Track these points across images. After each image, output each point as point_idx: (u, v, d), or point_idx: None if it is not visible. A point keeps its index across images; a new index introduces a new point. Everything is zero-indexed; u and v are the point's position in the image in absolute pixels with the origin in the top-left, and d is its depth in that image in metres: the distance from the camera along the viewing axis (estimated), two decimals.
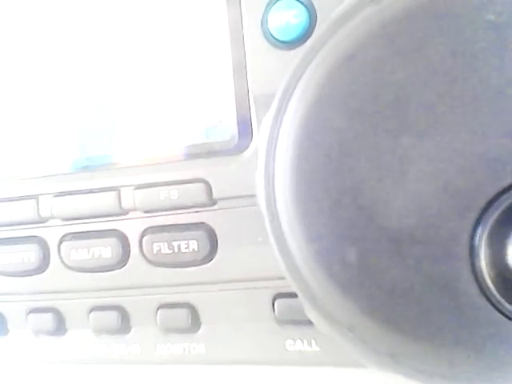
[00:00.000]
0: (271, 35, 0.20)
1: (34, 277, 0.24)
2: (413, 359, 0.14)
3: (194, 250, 0.22)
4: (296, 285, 0.16)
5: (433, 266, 0.14)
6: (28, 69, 0.24)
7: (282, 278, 0.21)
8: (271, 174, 0.15)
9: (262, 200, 0.16)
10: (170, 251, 0.22)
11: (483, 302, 0.14)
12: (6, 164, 0.24)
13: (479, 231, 0.13)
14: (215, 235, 0.22)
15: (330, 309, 0.15)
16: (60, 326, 0.25)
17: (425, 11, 0.14)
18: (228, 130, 0.22)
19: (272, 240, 0.16)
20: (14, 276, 0.24)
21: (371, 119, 0.14)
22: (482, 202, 0.13)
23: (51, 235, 0.24)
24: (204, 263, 0.22)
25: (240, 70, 0.21)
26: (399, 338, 0.14)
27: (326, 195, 0.14)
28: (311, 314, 0.16)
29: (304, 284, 0.15)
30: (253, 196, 0.21)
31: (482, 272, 0.14)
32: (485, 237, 0.13)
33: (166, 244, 0.22)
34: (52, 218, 0.23)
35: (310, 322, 0.22)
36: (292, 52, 0.20)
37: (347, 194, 0.14)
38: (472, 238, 0.13)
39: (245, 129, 0.22)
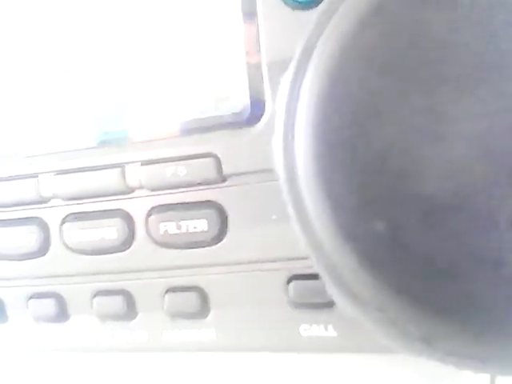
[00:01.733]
0: None
1: (34, 260, 0.23)
2: (450, 343, 0.13)
3: (203, 229, 0.21)
4: (318, 262, 0.14)
5: (473, 238, 0.12)
6: (30, 43, 0.23)
7: (297, 259, 0.19)
8: (291, 139, 0.14)
9: (280, 169, 0.14)
10: (178, 231, 0.21)
11: None
12: (5, 141, 0.23)
13: None
14: (225, 214, 0.21)
15: (356, 288, 0.14)
16: (62, 312, 0.23)
17: None
18: (239, 101, 0.21)
19: (292, 213, 0.14)
20: (13, 260, 0.23)
21: (403, 74, 0.13)
22: None
23: (52, 216, 0.22)
24: (214, 244, 0.21)
25: (251, 34, 0.20)
26: (435, 320, 0.13)
27: (352, 160, 0.13)
28: (335, 294, 0.15)
29: (327, 260, 0.14)
30: (266, 171, 0.20)
31: None
32: None
33: (173, 224, 0.21)
34: (53, 197, 0.22)
35: (326, 305, 0.21)
36: (308, 12, 0.19)
37: (376, 159, 0.13)
38: None
39: (257, 99, 0.20)
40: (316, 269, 0.15)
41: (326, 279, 0.15)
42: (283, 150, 0.14)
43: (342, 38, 0.13)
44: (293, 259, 0.20)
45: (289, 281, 0.21)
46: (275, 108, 0.16)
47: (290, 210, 0.14)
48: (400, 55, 0.13)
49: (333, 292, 0.15)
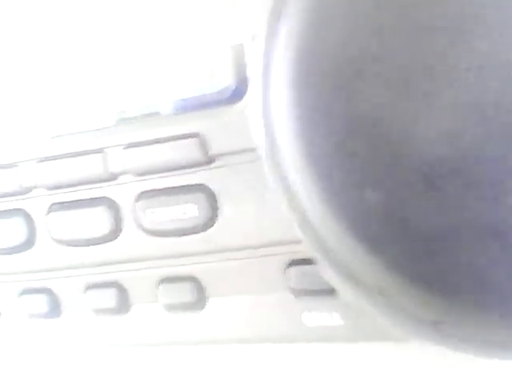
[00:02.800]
0: None
1: (21, 254, 0.22)
2: (460, 326, 0.11)
3: (192, 215, 0.19)
4: (310, 243, 0.13)
5: (479, 207, 0.11)
6: (13, 33, 0.21)
7: (296, 242, 0.18)
8: (268, 106, 0.12)
9: (260, 141, 0.13)
10: (167, 218, 0.19)
11: None
12: None
13: None
14: (215, 197, 0.19)
15: (354, 269, 0.12)
16: (55, 308, 0.22)
17: None
18: (222, 78, 0.19)
19: (277, 191, 0.13)
20: (0, 254, 0.22)
21: (391, 22, 0.11)
22: None
23: (36, 207, 0.21)
24: (205, 229, 0.19)
25: (234, 8, 0.18)
26: (443, 302, 0.11)
27: (336, 124, 0.11)
28: (332, 278, 0.13)
29: (320, 241, 0.12)
30: (254, 150, 0.18)
31: None
32: None
33: (161, 210, 0.19)
34: (35, 187, 0.21)
35: (330, 292, 0.19)
36: None
37: (364, 122, 0.11)
38: None
39: (240, 76, 0.19)
40: (310, 253, 0.13)
41: (320, 261, 0.13)
42: (262, 118, 0.12)
43: None
44: (291, 242, 0.18)
45: (288, 266, 0.19)
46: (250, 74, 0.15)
47: (274, 187, 0.13)
48: (383, 11, 0.11)
49: (330, 276, 0.13)
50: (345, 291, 0.13)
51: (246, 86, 0.19)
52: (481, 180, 0.11)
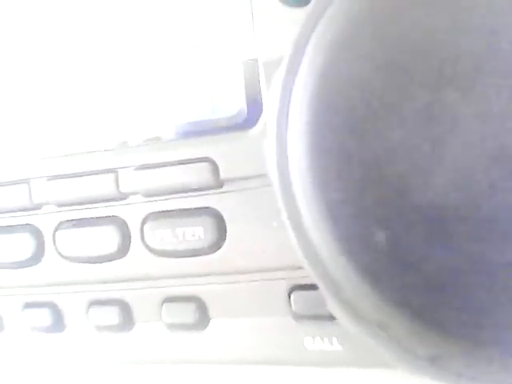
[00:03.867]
0: None
1: (27, 269, 0.22)
2: (457, 363, 0.12)
3: (200, 237, 0.20)
4: (316, 274, 0.13)
5: (482, 250, 0.11)
6: (23, 48, 0.22)
7: (300, 268, 0.18)
8: (284, 140, 0.13)
9: (273, 173, 0.13)
10: (174, 239, 0.20)
11: None
12: None
13: None
14: (223, 221, 0.20)
15: (356, 303, 0.12)
16: (58, 322, 0.23)
17: None
18: (235, 103, 0.20)
19: (286, 221, 0.13)
20: (6, 268, 0.22)
21: (404, 71, 0.11)
22: None
23: (45, 223, 0.21)
24: (212, 252, 0.20)
25: (247, 33, 0.19)
26: (441, 338, 0.12)
27: (349, 165, 0.12)
28: (334, 310, 0.13)
29: (325, 273, 0.13)
30: (264, 176, 0.18)
31: None
32: None
33: (169, 231, 0.20)
34: (46, 203, 0.21)
35: (331, 318, 0.19)
36: (305, 9, 0.18)
37: (375, 164, 0.12)
38: None
39: (254, 101, 0.19)
40: (313, 281, 0.14)
41: (324, 292, 0.13)
42: (276, 152, 0.13)
43: (337, 34, 0.12)
44: (294, 268, 0.19)
45: (291, 291, 0.20)
46: (267, 108, 0.15)
47: (284, 217, 0.13)
48: (398, 54, 0.12)
49: (331, 306, 0.14)
50: (345, 322, 0.14)
51: (259, 111, 0.19)
52: (484, 223, 0.11)
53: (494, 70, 0.11)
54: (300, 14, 0.18)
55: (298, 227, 0.13)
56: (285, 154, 0.13)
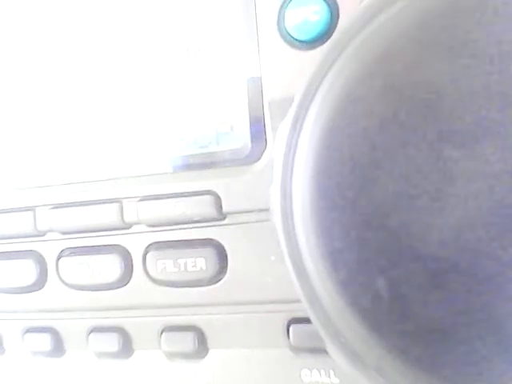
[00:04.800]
0: (288, 34, 0.18)
1: (30, 294, 0.22)
2: None
3: (201, 268, 0.20)
4: (315, 317, 0.14)
5: (479, 302, 0.12)
6: (21, 80, 0.23)
7: (298, 301, 0.19)
8: (288, 188, 0.13)
9: (277, 218, 0.14)
10: (176, 269, 0.20)
11: None
12: (2, 174, 0.23)
13: None
14: (225, 253, 0.20)
15: (355, 347, 0.13)
16: (58, 347, 0.23)
17: (466, 2, 0.12)
18: (240, 137, 0.20)
19: (288, 264, 0.14)
20: (9, 293, 0.23)
21: (405, 128, 0.12)
22: None
23: (49, 250, 0.22)
24: (212, 283, 0.20)
25: (254, 71, 0.19)
26: None
27: (351, 215, 0.12)
28: (332, 351, 0.14)
29: (325, 316, 0.13)
30: (266, 210, 0.19)
31: None
32: None
33: (171, 261, 0.20)
34: (50, 231, 0.22)
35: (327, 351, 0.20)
36: (311, 52, 0.18)
37: (376, 214, 0.12)
38: None
39: (258, 137, 0.20)
40: (312, 322, 0.14)
41: (323, 335, 0.14)
42: (280, 198, 0.13)
43: (342, 88, 0.13)
44: (293, 302, 0.19)
45: (289, 324, 0.20)
46: (273, 154, 0.16)
47: (286, 260, 0.14)
48: (401, 107, 0.12)
49: (329, 348, 0.14)
50: (342, 364, 0.14)
51: (262, 147, 0.20)
52: (483, 276, 0.12)
53: (493, 130, 0.12)
54: (303, 55, 0.18)
55: (300, 272, 0.13)
56: (289, 201, 0.13)
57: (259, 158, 0.20)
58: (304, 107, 0.13)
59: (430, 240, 0.12)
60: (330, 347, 0.14)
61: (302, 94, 0.13)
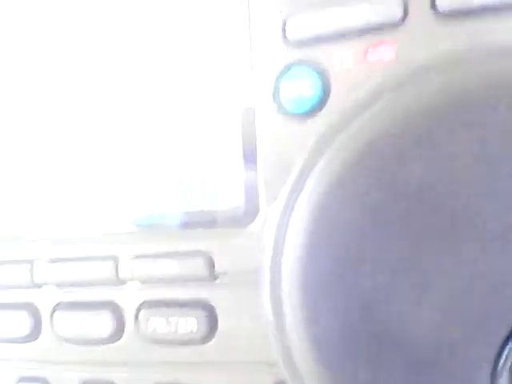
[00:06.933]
0: (283, 107, 0.19)
1: (24, 344, 0.23)
2: None
3: (192, 329, 0.20)
4: None
5: None
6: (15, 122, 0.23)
7: None
8: (277, 277, 0.14)
9: (267, 304, 0.14)
10: (167, 329, 0.21)
11: None
12: (1, 225, 0.23)
13: (502, 359, 0.12)
14: (215, 314, 0.20)
15: None
16: None
17: (451, 99, 0.13)
18: (233, 199, 0.21)
19: (277, 352, 0.14)
20: (4, 342, 0.23)
21: (390, 220, 0.13)
22: (505, 329, 0.12)
23: (44, 302, 0.22)
24: (202, 343, 0.20)
25: (249, 139, 0.20)
26: None
27: (335, 306, 0.13)
28: None
29: None
30: (256, 271, 0.19)
31: None
32: (508, 365, 0.12)
33: (163, 320, 0.21)
34: (46, 284, 0.22)
35: None
36: (304, 123, 0.19)
37: (359, 307, 0.13)
38: (495, 366, 0.12)
39: (251, 201, 0.20)
40: None
41: None
42: (270, 288, 0.14)
43: (330, 179, 0.13)
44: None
45: None
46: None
47: (275, 349, 0.14)
48: (386, 201, 0.13)
49: None
50: None
51: (256, 207, 0.20)
52: (453, 371, 0.12)
53: (476, 226, 0.12)
54: (297, 125, 0.19)
55: (288, 360, 0.14)
56: (278, 290, 0.14)
57: (252, 222, 0.20)
58: (294, 195, 0.14)
59: (411, 333, 0.12)
60: None
61: (292, 182, 0.14)
